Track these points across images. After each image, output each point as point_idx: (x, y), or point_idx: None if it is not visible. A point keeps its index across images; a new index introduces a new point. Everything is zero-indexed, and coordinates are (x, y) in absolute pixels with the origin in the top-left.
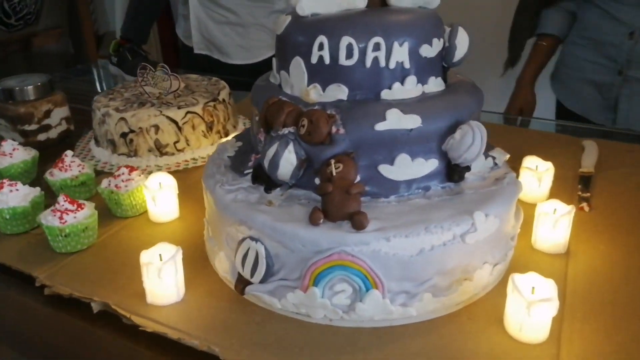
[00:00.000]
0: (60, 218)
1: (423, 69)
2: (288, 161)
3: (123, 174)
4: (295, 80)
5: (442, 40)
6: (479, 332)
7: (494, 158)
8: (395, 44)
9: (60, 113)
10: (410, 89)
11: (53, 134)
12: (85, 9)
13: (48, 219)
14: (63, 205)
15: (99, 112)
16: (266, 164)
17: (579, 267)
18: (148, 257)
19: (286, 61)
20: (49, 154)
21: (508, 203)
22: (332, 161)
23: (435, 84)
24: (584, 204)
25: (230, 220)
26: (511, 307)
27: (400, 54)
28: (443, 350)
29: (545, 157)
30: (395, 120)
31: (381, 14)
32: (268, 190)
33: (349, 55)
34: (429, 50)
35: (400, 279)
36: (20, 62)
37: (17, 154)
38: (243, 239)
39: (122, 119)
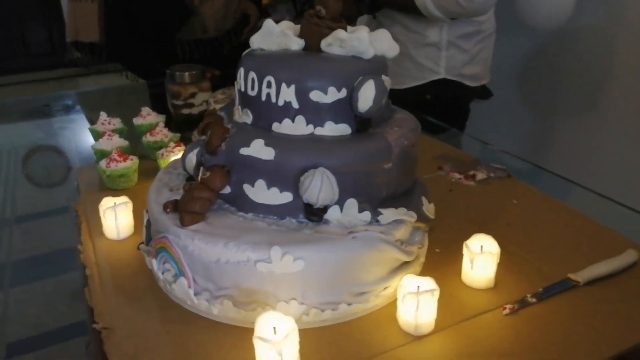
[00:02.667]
0: (107, 163)
1: (316, 112)
2: (190, 160)
3: (170, 146)
4: (235, 101)
5: (344, 89)
6: (245, 349)
7: (376, 214)
8: (283, 85)
9: (203, 96)
10: (299, 127)
11: (194, 110)
12: None
13: (102, 162)
14: (114, 156)
15: (208, 101)
16: (181, 159)
17: (408, 354)
18: (104, 201)
19: None
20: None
21: (328, 252)
22: (202, 168)
23: (333, 129)
24: (510, 306)
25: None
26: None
27: (287, 94)
28: (209, 348)
29: (558, 249)
30: (256, 149)
31: (293, 58)
32: (187, 180)
33: (252, 87)
34: (322, 97)
35: (204, 278)
36: None
37: (149, 118)
38: (145, 209)
39: (214, 108)
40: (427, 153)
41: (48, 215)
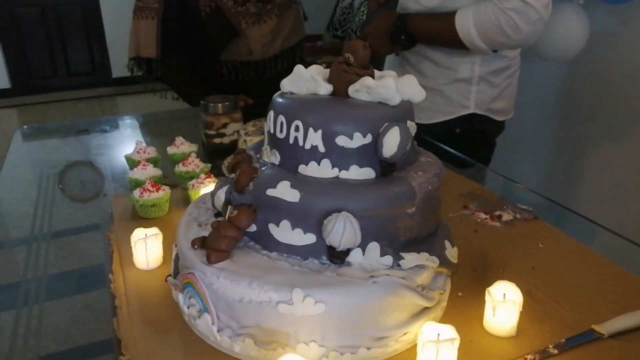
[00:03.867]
0: (141, 193)
1: (341, 156)
2: (219, 198)
3: (201, 177)
4: (264, 140)
5: (370, 135)
6: None
7: (398, 258)
8: (311, 129)
9: (234, 127)
10: (325, 170)
11: (226, 140)
12: None
13: (135, 191)
14: (147, 186)
15: (240, 133)
16: (210, 195)
17: None
18: (136, 232)
19: None
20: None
21: (348, 296)
22: (230, 207)
23: (357, 173)
24: (532, 357)
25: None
26: None
27: (314, 138)
28: None
29: (585, 298)
30: (282, 191)
31: (320, 103)
32: (216, 216)
33: (281, 130)
34: (347, 142)
35: (228, 315)
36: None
37: (182, 147)
38: (174, 243)
39: (245, 141)
40: (454, 190)
41: (81, 232)
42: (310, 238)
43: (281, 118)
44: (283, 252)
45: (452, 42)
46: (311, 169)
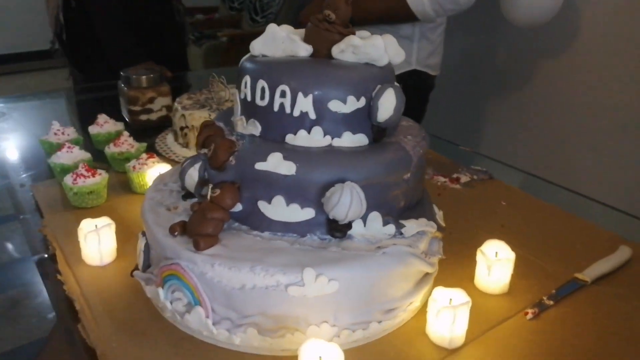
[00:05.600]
0: (74, 180)
1: (334, 122)
2: (191, 176)
3: (142, 158)
4: (235, 110)
5: (363, 98)
6: None
7: (400, 226)
8: (300, 95)
9: (162, 102)
10: (316, 138)
11: (153, 116)
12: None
13: (67, 178)
14: (81, 170)
15: (174, 107)
16: (179, 175)
17: None
18: (84, 224)
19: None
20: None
21: (363, 271)
22: (211, 185)
23: (351, 140)
24: (532, 310)
25: (141, 212)
26: None
27: (304, 104)
28: None
29: (559, 250)
30: (274, 164)
31: (305, 65)
32: (184, 197)
33: (262, 96)
34: (340, 106)
35: (225, 306)
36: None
37: (107, 126)
38: (141, 232)
39: (183, 115)
40: None
41: None
42: (308, 213)
43: (262, 83)
44: (277, 231)
45: (400, 16)
46: (301, 138)
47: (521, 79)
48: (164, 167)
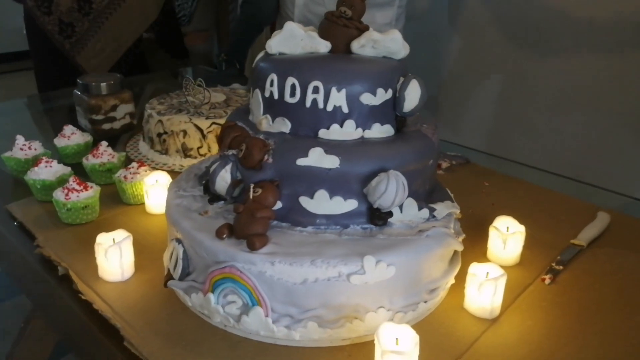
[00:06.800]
0: (66, 195)
1: (364, 115)
2: (223, 179)
3: (133, 167)
4: (255, 109)
5: (390, 90)
6: None
7: (432, 210)
8: (334, 90)
9: (125, 109)
10: (349, 131)
11: (117, 125)
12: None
13: (57, 193)
14: (72, 185)
15: (146, 113)
16: (209, 178)
17: (494, 336)
18: (101, 239)
19: (252, 92)
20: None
21: (414, 254)
22: (252, 185)
23: (379, 131)
24: (548, 276)
25: (169, 220)
26: (376, 354)
27: (338, 99)
28: None
29: (547, 221)
30: (315, 158)
31: (333, 61)
32: (211, 201)
33: (292, 94)
34: (371, 99)
35: (285, 303)
36: (167, 58)
37: (74, 138)
38: (172, 239)
39: (160, 121)
40: None
41: None
42: (351, 204)
43: (291, 80)
44: (320, 225)
45: None
46: (334, 132)
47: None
48: (160, 175)
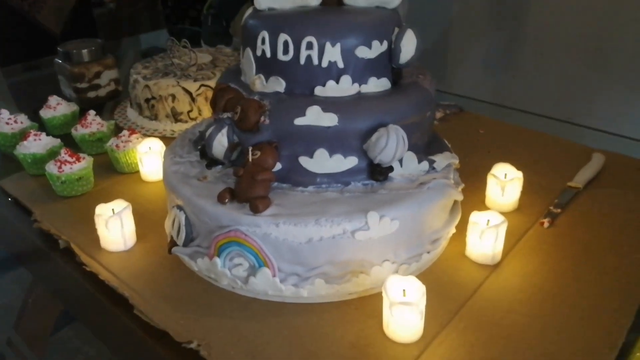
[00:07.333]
0: (59, 167)
1: (360, 69)
2: (220, 143)
3: (124, 135)
4: (247, 70)
5: (385, 42)
6: (356, 322)
7: (431, 162)
8: (328, 45)
9: (109, 75)
10: (345, 87)
11: (102, 92)
12: None
13: (50, 167)
14: (64, 157)
15: (131, 78)
16: (206, 143)
17: (497, 281)
18: (100, 210)
19: (243, 51)
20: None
21: (417, 207)
22: (251, 148)
23: (376, 85)
24: (546, 220)
25: (168, 187)
26: (384, 306)
27: (333, 54)
28: (316, 330)
29: (543, 165)
30: (313, 117)
31: (325, 14)
32: (208, 166)
33: (285, 51)
34: (366, 52)
35: (291, 262)
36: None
37: (60, 108)
38: (172, 206)
39: (147, 86)
40: None
41: None
42: (351, 161)
43: (284, 37)
44: (321, 184)
45: None
46: (330, 89)
47: None
48: (153, 142)
